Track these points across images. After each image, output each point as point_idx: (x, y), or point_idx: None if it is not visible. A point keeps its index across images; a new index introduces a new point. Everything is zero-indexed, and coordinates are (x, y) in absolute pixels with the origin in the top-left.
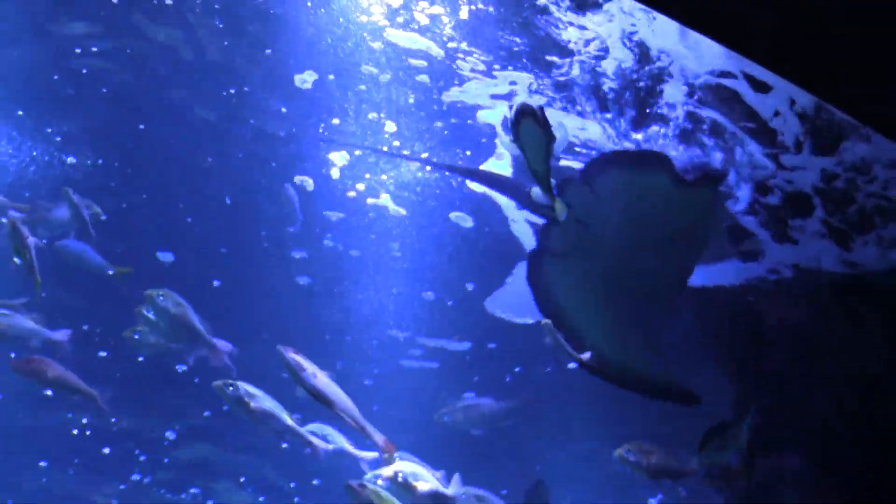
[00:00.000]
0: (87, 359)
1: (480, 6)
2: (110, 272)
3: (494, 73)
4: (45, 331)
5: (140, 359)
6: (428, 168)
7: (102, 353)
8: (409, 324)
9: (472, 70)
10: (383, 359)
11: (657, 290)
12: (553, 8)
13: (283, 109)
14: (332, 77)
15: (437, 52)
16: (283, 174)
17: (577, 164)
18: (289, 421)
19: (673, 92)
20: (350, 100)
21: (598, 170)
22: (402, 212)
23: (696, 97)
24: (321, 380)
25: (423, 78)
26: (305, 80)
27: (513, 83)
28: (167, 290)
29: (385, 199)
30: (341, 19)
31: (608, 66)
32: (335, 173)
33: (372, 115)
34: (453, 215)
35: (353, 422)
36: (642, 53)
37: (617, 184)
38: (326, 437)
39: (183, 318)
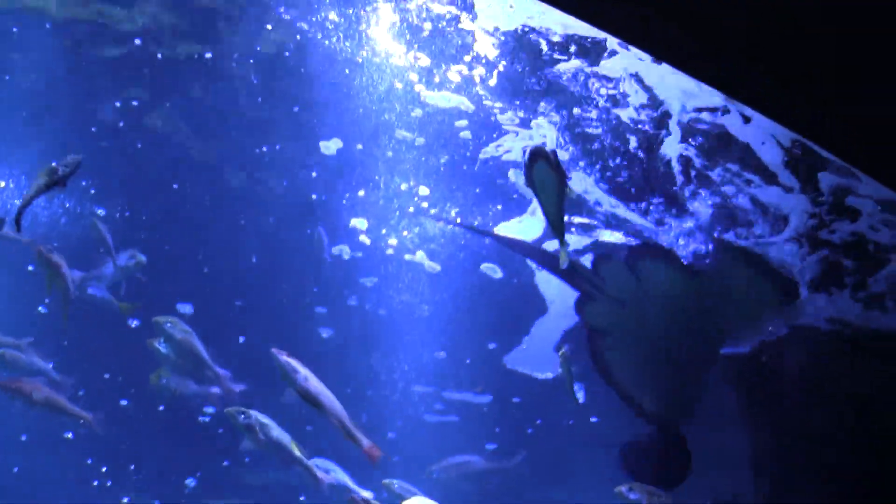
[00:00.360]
0: (110, 407)
1: (503, 67)
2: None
3: (531, 124)
4: (51, 370)
5: (161, 408)
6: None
7: (123, 402)
8: (433, 378)
9: (510, 123)
10: (407, 413)
11: (688, 360)
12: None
13: (314, 174)
14: (360, 146)
15: (467, 106)
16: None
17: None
18: (297, 452)
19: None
20: (380, 168)
21: (635, 257)
22: (437, 267)
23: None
24: (313, 383)
25: (466, 134)
26: (329, 146)
27: (543, 136)
28: (174, 317)
29: (420, 256)
30: (376, 82)
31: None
32: (364, 238)
33: (403, 186)
34: (484, 266)
35: (341, 426)
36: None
37: (651, 272)
38: (328, 472)
39: (188, 344)
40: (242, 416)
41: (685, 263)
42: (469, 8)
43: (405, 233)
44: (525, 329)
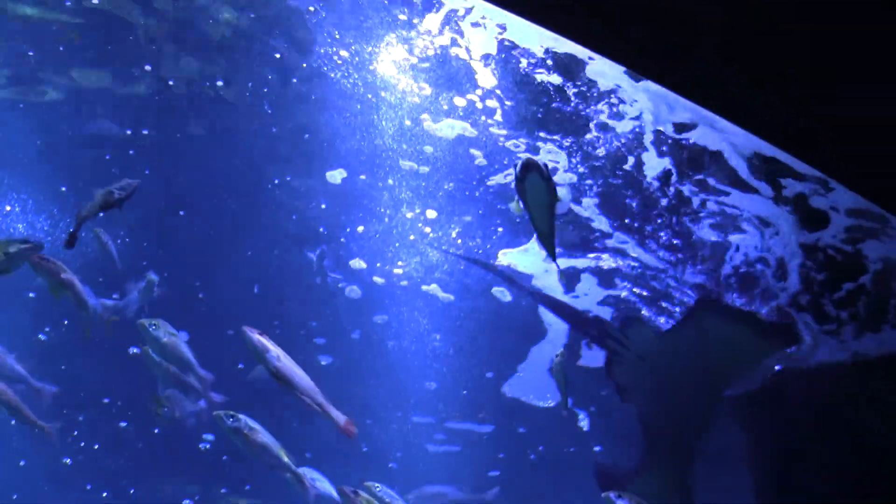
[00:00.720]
0: (110, 429)
1: (509, 103)
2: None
3: (538, 144)
4: (31, 379)
5: (156, 430)
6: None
7: (123, 424)
8: (435, 409)
9: (515, 149)
10: (408, 442)
11: (703, 407)
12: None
13: (323, 206)
14: (363, 177)
15: (470, 132)
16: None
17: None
18: (285, 458)
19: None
20: (385, 198)
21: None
22: (451, 297)
23: None
24: (285, 362)
25: (480, 161)
26: (334, 176)
27: (555, 162)
28: (160, 319)
29: (434, 288)
30: (383, 113)
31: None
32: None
33: (409, 214)
34: (495, 290)
35: (314, 404)
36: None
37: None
38: (314, 481)
39: (174, 347)
40: (231, 419)
41: (690, 319)
42: (461, 36)
43: (400, 263)
44: (523, 355)
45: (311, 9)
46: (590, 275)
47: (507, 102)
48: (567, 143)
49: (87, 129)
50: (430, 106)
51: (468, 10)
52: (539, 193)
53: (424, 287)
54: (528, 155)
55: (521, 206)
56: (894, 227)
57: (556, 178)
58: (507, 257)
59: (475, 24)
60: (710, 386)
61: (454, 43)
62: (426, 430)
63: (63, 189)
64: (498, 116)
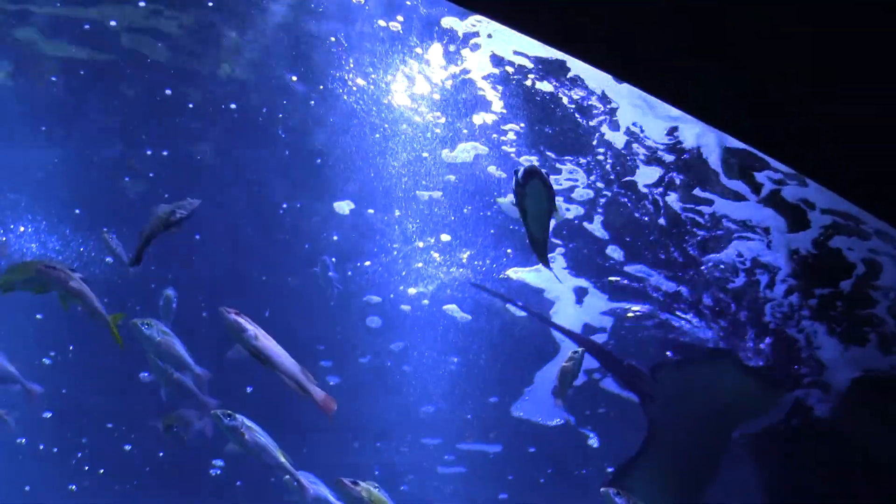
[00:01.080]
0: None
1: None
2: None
3: (558, 166)
4: (22, 378)
5: (160, 454)
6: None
7: (127, 447)
8: (444, 431)
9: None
10: (418, 465)
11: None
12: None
13: (335, 237)
14: (371, 211)
15: (482, 149)
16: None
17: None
18: (282, 458)
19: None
20: (396, 232)
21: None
22: (468, 317)
23: None
24: (263, 341)
25: (500, 174)
26: (342, 207)
27: (573, 180)
28: (151, 319)
29: (453, 309)
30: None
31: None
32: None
33: (420, 244)
34: (510, 307)
35: (293, 381)
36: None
37: (694, 377)
38: (314, 485)
39: (168, 346)
40: (228, 418)
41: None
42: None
43: (411, 290)
44: (530, 379)
45: (332, 38)
46: (598, 290)
47: (520, 125)
48: (584, 161)
49: (103, 151)
50: (446, 134)
51: (470, 35)
52: (539, 200)
53: (446, 307)
54: (530, 162)
55: (517, 210)
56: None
57: (574, 195)
58: (517, 274)
59: (475, 47)
60: (722, 426)
61: (464, 71)
62: (436, 452)
63: (77, 211)
64: (511, 136)
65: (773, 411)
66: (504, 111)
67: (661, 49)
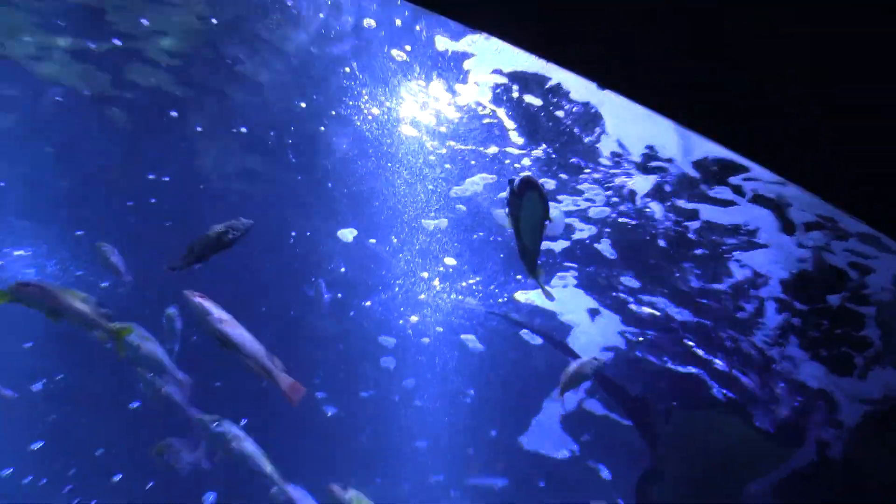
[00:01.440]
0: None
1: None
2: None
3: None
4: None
5: (150, 484)
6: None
7: (117, 478)
8: (451, 466)
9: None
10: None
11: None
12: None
13: (343, 269)
14: (373, 241)
15: (490, 179)
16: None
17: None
18: (268, 468)
19: None
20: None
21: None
22: (480, 346)
23: None
24: (228, 324)
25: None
26: (346, 235)
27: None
28: (132, 324)
29: (470, 339)
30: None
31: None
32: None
33: (424, 274)
34: (524, 332)
35: (259, 367)
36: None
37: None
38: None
39: (149, 350)
40: (215, 423)
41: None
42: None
43: (413, 318)
44: (537, 409)
45: (347, 69)
46: (609, 311)
47: (535, 152)
48: (598, 176)
49: (110, 174)
50: (455, 166)
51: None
52: (535, 211)
53: (463, 336)
54: (528, 173)
55: (510, 220)
56: None
57: (590, 214)
58: (525, 296)
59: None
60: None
61: (479, 104)
62: (442, 488)
63: (79, 233)
64: (526, 161)
65: (783, 466)
66: (520, 140)
67: (660, 50)
